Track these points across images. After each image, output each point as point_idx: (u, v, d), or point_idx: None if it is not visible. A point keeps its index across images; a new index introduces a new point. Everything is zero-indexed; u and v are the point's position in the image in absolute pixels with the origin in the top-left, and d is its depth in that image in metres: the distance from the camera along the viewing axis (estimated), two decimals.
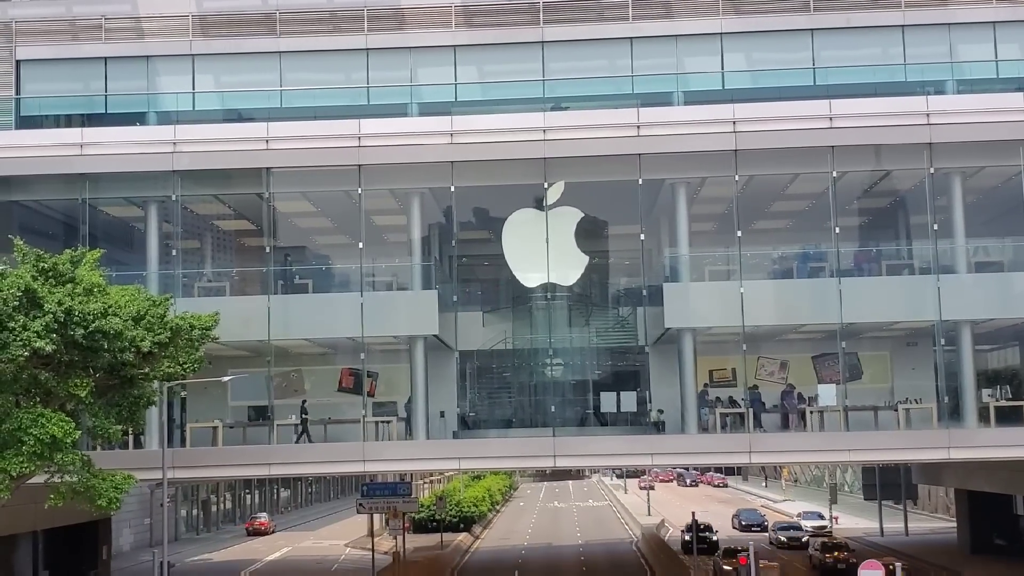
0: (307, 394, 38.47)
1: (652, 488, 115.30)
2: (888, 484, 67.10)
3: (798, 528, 63.75)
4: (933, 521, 72.67)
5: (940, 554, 54.24)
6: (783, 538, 62.13)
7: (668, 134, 34.81)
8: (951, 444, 34.62)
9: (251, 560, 61.63)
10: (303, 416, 36.24)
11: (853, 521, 73.20)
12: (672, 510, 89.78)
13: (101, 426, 29.43)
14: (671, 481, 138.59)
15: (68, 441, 27.31)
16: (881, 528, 65.49)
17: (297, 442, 35.93)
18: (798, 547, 58.99)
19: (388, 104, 37.17)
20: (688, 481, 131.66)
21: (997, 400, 36.49)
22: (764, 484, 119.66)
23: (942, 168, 35.03)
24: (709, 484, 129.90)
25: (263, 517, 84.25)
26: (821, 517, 64.54)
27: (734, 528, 70.66)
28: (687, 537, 54.03)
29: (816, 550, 51.85)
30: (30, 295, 27.40)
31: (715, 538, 57.66)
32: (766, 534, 65.12)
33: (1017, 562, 48.82)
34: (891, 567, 32.66)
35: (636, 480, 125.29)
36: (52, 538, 48.38)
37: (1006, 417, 35.24)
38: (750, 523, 70.73)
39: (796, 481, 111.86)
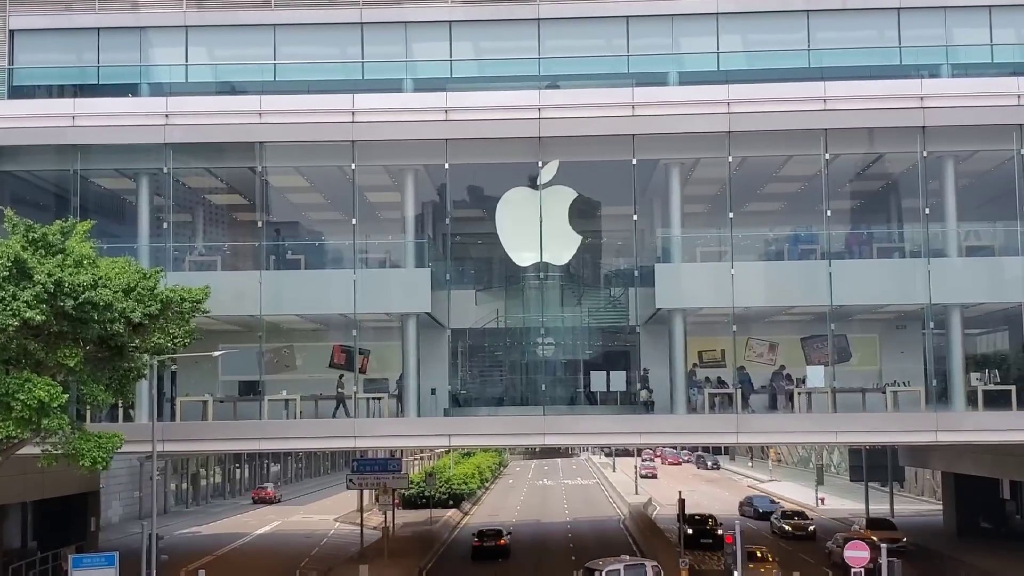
0: (299, 370, 38.57)
1: (654, 476, 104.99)
2: (875, 466, 67.32)
3: (803, 516, 58.77)
4: (919, 504, 73.08)
5: (926, 537, 54.56)
6: (787, 527, 56.79)
7: (663, 114, 34.78)
8: (938, 427, 34.78)
9: (241, 533, 61.85)
10: (339, 390, 36.19)
11: (839, 503, 73.62)
12: (659, 489, 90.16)
13: (90, 393, 29.44)
14: (679, 464, 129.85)
15: (55, 405, 27.32)
16: (867, 510, 65.71)
17: (335, 416, 35.94)
18: (804, 537, 54.59)
19: (383, 79, 37.05)
20: (710, 464, 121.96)
21: (985, 384, 36.66)
22: (750, 464, 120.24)
23: (935, 152, 35.08)
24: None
25: (269, 487, 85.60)
26: (893, 527, 51.82)
27: (744, 516, 65.66)
28: (689, 531, 49.49)
29: (838, 547, 44.22)
30: (20, 265, 27.35)
31: (720, 532, 51.19)
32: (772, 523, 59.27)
33: (1003, 545, 49.17)
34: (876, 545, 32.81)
35: (634, 461, 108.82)
36: (41, 509, 48.44)
37: (994, 401, 35.40)
38: (767, 511, 64.34)
39: (780, 461, 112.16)
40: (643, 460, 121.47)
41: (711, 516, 55.37)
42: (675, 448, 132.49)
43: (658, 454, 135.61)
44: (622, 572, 35.79)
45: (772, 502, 68.52)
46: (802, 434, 39.53)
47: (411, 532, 58.49)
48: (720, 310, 35.75)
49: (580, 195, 36.39)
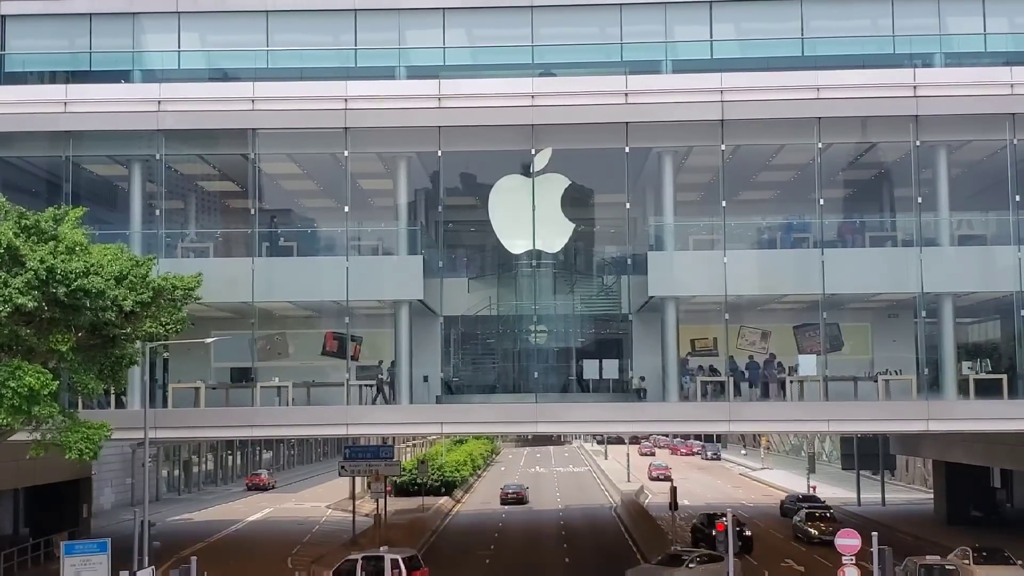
0: (291, 357, 38.58)
1: (667, 478, 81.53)
2: (866, 454, 67.65)
3: (833, 519, 49.52)
4: (910, 492, 73.39)
5: (917, 525, 54.82)
6: (812, 531, 47.98)
7: (656, 102, 34.77)
8: (930, 416, 34.89)
9: (233, 520, 61.90)
10: (380, 376, 36.11)
11: (830, 491, 73.84)
12: (635, 466, 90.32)
13: (82, 382, 29.42)
14: (691, 454, 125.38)
15: (45, 393, 27.26)
16: (859, 498, 66.12)
17: (374, 403, 35.89)
18: (832, 543, 42.37)
19: (376, 67, 36.95)
20: (710, 454, 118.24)
21: (977, 373, 36.78)
22: (744, 452, 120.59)
23: (928, 141, 35.12)
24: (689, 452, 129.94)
25: (263, 473, 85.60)
26: (1009, 560, 38.12)
27: (786, 516, 57.90)
28: (712, 532, 40.35)
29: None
30: (12, 252, 27.30)
31: (748, 532, 45.74)
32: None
33: (993, 533, 49.34)
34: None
35: (627, 449, 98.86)
36: (33, 496, 48.47)
37: (985, 390, 35.48)
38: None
39: (769, 448, 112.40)
40: (645, 453, 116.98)
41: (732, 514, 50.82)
42: (668, 436, 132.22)
43: (661, 443, 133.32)
44: (359, 564, 35.73)
45: (815, 499, 59.53)
46: (794, 422, 39.60)
47: (403, 519, 58.56)
48: (713, 298, 35.78)
49: (573, 183, 36.38)
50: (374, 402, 36.05)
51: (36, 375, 27.17)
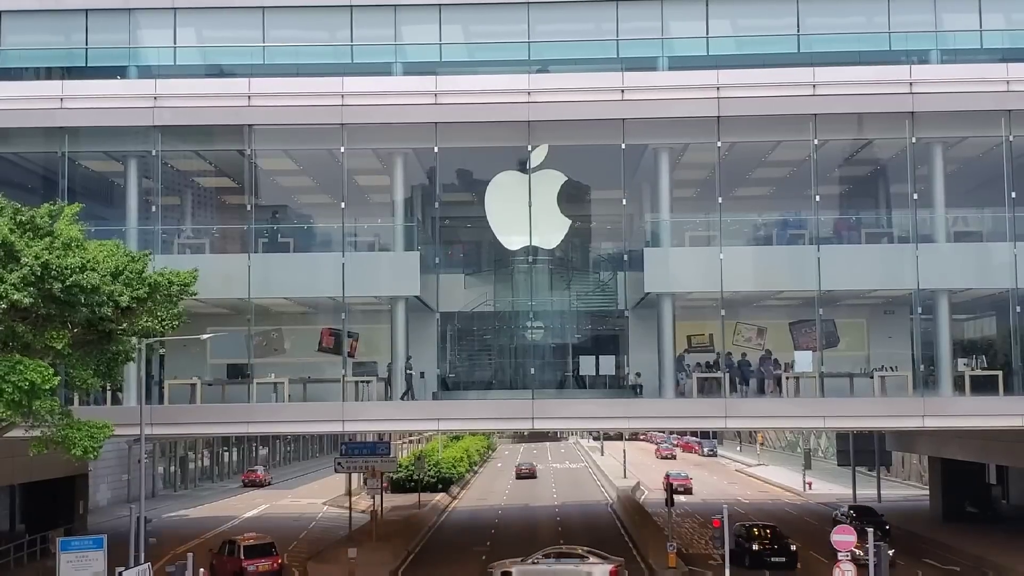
0: (287, 353, 38.58)
1: (689, 492, 71.71)
2: (862, 451, 67.60)
3: (881, 531, 41.96)
4: (906, 488, 73.49)
5: (913, 521, 54.88)
6: (858, 551, 35.06)
7: (652, 99, 34.79)
8: (925, 412, 34.96)
9: (229, 517, 61.88)
10: (408, 372, 36.15)
11: (826, 487, 74.01)
12: (648, 473, 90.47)
13: (79, 377, 29.40)
14: (696, 452, 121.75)
15: (46, 387, 27.24)
16: (854, 494, 66.10)
17: (403, 398, 35.88)
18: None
19: (372, 63, 36.95)
20: (706, 451, 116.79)
21: (972, 369, 36.83)
22: (739, 449, 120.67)
23: (923, 137, 35.18)
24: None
25: (260, 470, 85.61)
26: None
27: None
28: (753, 547, 40.76)
29: None
30: (7, 248, 27.26)
31: (794, 547, 42.08)
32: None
33: (988, 530, 49.46)
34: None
35: (656, 467, 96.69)
36: (29, 492, 48.46)
37: (981, 386, 35.58)
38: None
39: (763, 444, 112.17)
40: (665, 456, 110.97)
41: (774, 526, 44.70)
42: (664, 432, 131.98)
43: (658, 439, 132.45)
44: (226, 547, 39.65)
45: (872, 511, 51.84)
46: (790, 419, 39.70)
47: (400, 516, 58.57)
48: (709, 294, 35.82)
49: (569, 179, 36.41)
50: (403, 398, 35.92)
51: (37, 370, 27.15)
